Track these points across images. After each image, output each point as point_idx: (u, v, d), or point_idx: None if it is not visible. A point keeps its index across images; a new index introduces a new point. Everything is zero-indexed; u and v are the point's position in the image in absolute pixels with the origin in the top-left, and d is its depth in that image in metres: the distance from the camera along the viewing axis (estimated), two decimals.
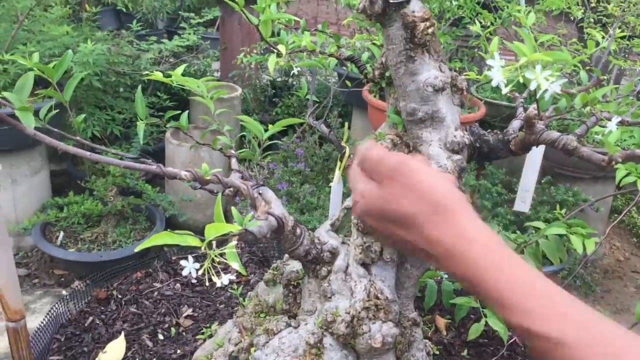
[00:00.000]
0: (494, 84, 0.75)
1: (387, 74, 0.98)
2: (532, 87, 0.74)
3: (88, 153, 0.81)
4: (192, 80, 1.07)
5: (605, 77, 2.88)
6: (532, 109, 0.92)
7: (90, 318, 1.29)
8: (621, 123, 0.93)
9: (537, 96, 0.75)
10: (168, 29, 4.68)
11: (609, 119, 0.93)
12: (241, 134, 2.87)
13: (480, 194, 2.91)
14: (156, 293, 1.36)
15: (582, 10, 2.94)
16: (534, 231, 1.55)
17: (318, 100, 1.20)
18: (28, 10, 2.61)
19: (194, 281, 1.39)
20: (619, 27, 3.16)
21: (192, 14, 3.58)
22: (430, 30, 0.91)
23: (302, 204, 2.81)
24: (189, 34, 3.31)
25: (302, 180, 2.94)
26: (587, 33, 1.14)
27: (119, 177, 2.82)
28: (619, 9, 3.18)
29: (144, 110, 0.97)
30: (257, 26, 0.92)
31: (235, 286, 1.32)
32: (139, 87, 1.00)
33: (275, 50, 0.98)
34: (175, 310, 1.31)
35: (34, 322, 1.39)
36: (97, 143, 1.57)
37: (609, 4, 3.22)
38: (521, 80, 0.73)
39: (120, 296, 1.35)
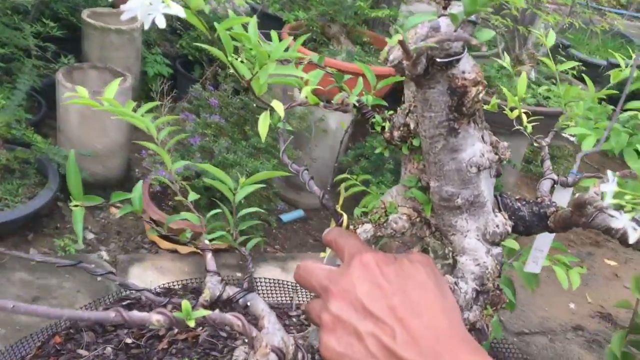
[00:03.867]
0: None
1: (414, 141, 0.75)
2: None
3: None
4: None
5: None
6: (587, 194, 0.73)
7: None
8: None
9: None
10: None
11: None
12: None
13: None
14: None
15: None
16: None
17: (292, 130, 0.94)
18: None
19: (128, 341, 1.13)
20: None
21: None
22: (481, 97, 0.68)
23: (218, 160, 2.54)
24: None
25: (216, 132, 2.64)
26: None
27: (3, 127, 2.40)
28: None
29: (80, 188, 0.68)
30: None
31: (180, 344, 1.08)
32: None
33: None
34: None
35: None
36: None
37: None
38: None
39: None
